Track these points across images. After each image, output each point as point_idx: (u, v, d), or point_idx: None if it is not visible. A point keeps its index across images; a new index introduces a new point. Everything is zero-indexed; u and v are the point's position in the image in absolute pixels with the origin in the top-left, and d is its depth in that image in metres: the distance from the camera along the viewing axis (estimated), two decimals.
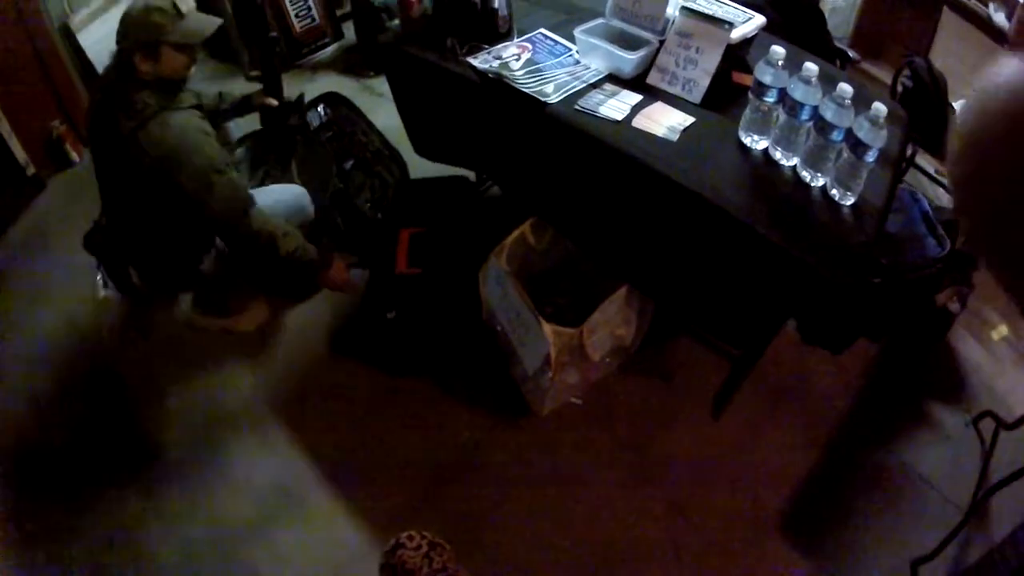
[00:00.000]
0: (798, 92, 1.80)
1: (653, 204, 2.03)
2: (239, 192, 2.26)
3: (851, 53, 3.15)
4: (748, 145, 1.99)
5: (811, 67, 1.78)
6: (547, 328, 2.14)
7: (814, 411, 2.55)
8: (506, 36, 2.39)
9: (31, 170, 3.52)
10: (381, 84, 3.78)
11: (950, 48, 3.56)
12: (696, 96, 2.10)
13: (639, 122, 2.03)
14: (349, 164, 3.06)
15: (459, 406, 2.55)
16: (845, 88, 1.72)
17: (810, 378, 2.64)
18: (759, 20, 2.23)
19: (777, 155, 1.94)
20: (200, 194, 2.15)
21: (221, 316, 2.77)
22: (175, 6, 2.14)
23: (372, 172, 3.08)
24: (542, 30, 2.40)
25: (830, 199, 1.86)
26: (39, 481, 2.45)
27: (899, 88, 2.94)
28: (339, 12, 4.59)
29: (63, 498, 2.38)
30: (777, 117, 1.92)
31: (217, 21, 2.28)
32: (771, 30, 2.41)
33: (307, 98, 3.08)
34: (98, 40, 3.83)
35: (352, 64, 4.29)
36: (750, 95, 1.94)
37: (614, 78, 2.20)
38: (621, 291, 2.26)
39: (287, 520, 2.30)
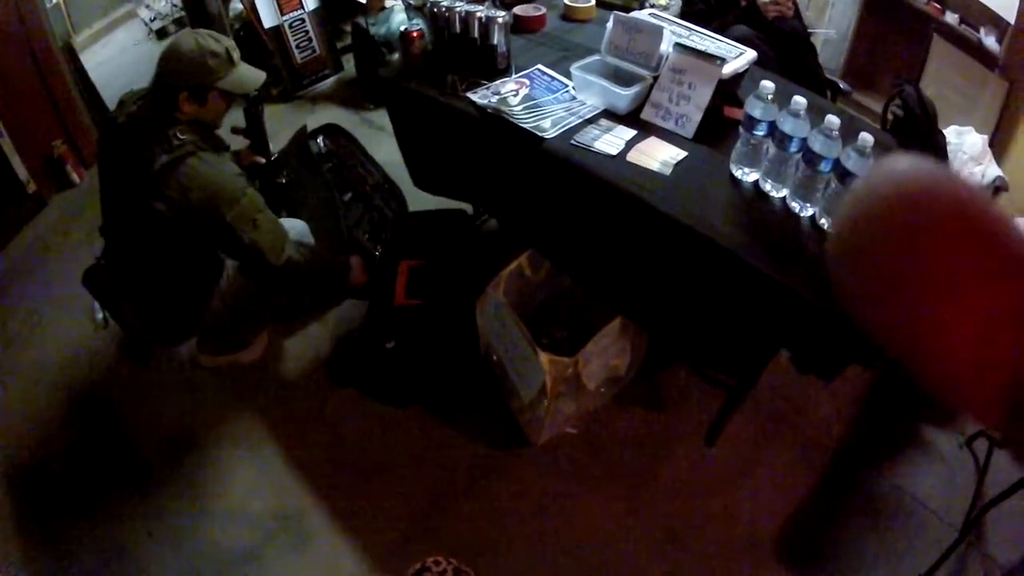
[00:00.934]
0: (787, 125, 1.83)
1: (647, 237, 2.06)
2: (279, 227, 2.32)
3: (842, 84, 3.20)
4: (739, 177, 2.02)
5: (799, 100, 1.81)
6: (543, 357, 2.15)
7: (809, 437, 2.56)
8: (504, 72, 2.45)
9: (32, 187, 3.55)
10: (380, 117, 3.83)
11: (941, 75, 3.62)
12: (689, 131, 2.15)
13: (633, 157, 2.07)
14: (348, 196, 3.09)
15: (457, 436, 2.55)
16: (832, 120, 1.74)
17: (804, 404, 2.65)
18: (750, 55, 2.28)
19: (767, 187, 1.97)
20: (247, 231, 2.18)
21: (228, 353, 2.76)
22: (228, 53, 2.15)
23: (371, 205, 3.11)
24: (539, 66, 2.46)
25: (819, 228, 1.88)
26: (37, 503, 2.45)
27: (890, 117, 2.99)
28: (339, 45, 4.67)
29: (60, 521, 2.38)
30: (767, 149, 1.95)
31: (262, 75, 2.31)
32: (763, 64, 2.46)
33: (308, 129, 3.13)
34: (101, 62, 3.90)
35: (351, 97, 4.35)
36: (741, 129, 1.97)
37: (609, 114, 2.25)
38: (616, 322, 2.27)
39: (285, 547, 2.30)
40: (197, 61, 2.10)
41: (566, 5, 2.83)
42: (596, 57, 2.33)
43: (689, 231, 1.89)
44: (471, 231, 3.12)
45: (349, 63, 4.52)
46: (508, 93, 2.31)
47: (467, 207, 3.11)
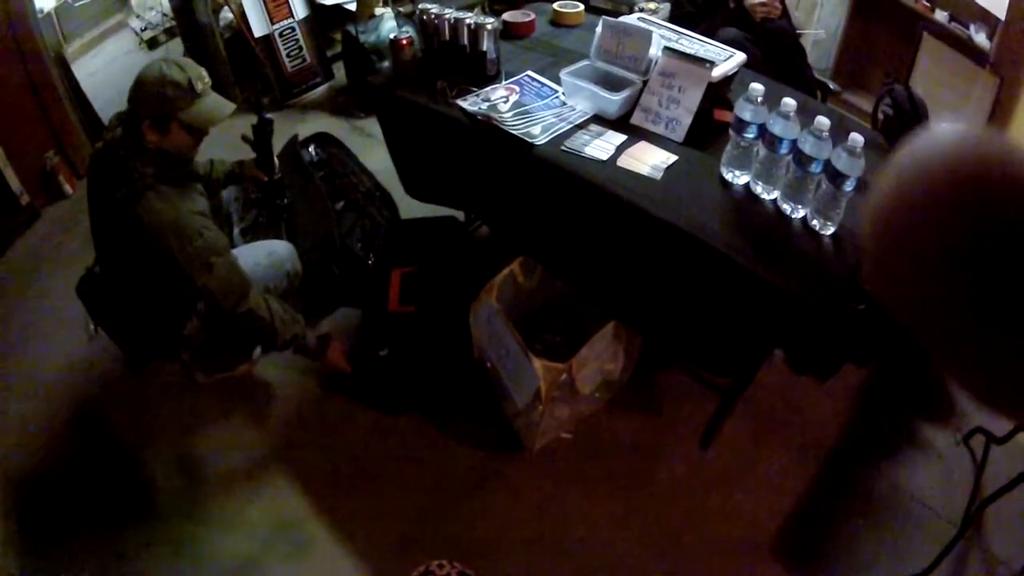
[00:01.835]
0: (777, 127, 1.84)
1: (639, 241, 2.06)
2: (238, 275, 2.22)
3: (832, 85, 3.20)
4: (730, 180, 2.03)
5: (789, 102, 1.82)
6: (537, 363, 2.16)
7: (805, 436, 2.57)
8: (494, 79, 2.45)
9: (25, 199, 3.55)
10: (371, 125, 3.82)
11: (931, 73, 3.63)
12: (679, 134, 2.16)
13: (624, 161, 2.08)
14: (340, 205, 3.10)
15: (452, 442, 2.56)
16: (822, 121, 1.75)
17: (800, 404, 2.66)
18: (740, 57, 2.29)
19: (758, 189, 1.98)
20: (199, 273, 2.11)
21: (219, 372, 2.71)
22: (191, 83, 2.08)
23: (364, 213, 3.12)
24: (529, 72, 2.46)
25: (811, 229, 1.89)
26: (33, 512, 2.44)
27: (880, 116, 2.99)
28: (330, 53, 4.68)
29: (57, 530, 2.37)
30: (757, 152, 1.96)
31: (231, 107, 2.21)
32: (752, 65, 2.47)
33: (300, 138, 3.13)
34: (92, 72, 3.90)
35: (342, 105, 4.35)
36: (731, 131, 1.98)
37: (599, 119, 2.26)
38: (609, 326, 2.28)
39: (285, 555, 2.29)
40: (156, 90, 2.04)
41: (555, 10, 2.84)
42: (586, 62, 2.34)
43: (681, 234, 1.89)
44: (463, 238, 3.12)
45: (339, 71, 4.52)
46: (498, 99, 2.31)
47: (459, 214, 3.11)
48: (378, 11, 4.17)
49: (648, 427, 2.60)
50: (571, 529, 2.33)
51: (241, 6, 4.17)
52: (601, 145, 2.13)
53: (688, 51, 2.21)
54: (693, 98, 2.13)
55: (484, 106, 2.28)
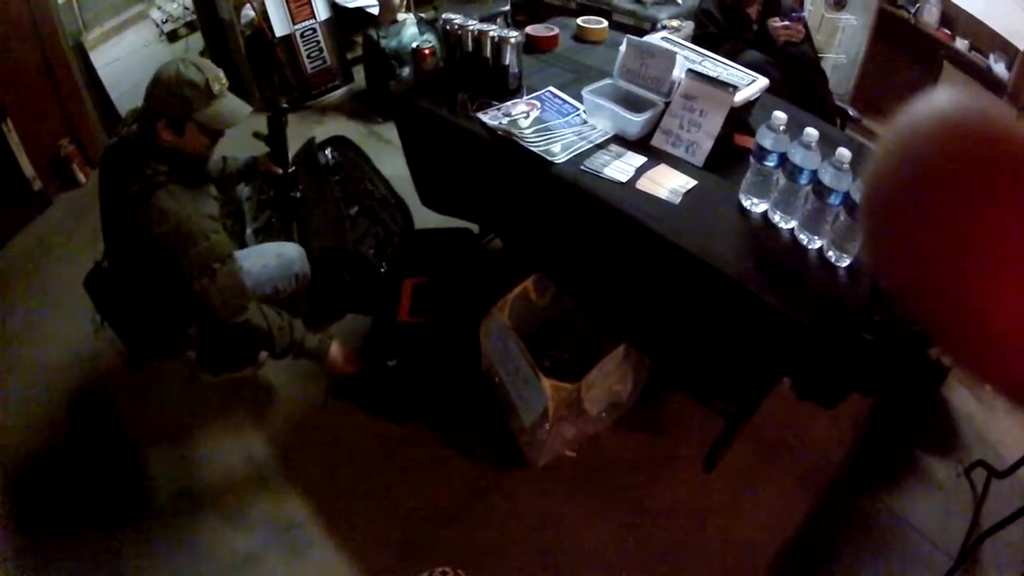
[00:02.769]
0: (798, 156, 1.83)
1: (654, 265, 2.05)
2: (240, 287, 2.19)
3: (851, 112, 3.20)
4: (748, 208, 2.02)
5: (811, 132, 1.81)
6: (546, 383, 2.15)
7: (807, 463, 2.56)
8: (515, 93, 2.44)
9: (37, 185, 3.57)
10: (389, 130, 3.83)
11: None
12: (699, 159, 2.15)
13: (643, 184, 2.07)
14: (354, 210, 3.09)
15: (456, 454, 2.56)
16: (843, 153, 1.74)
17: (804, 431, 2.66)
18: (762, 82, 2.28)
19: (776, 218, 1.97)
20: (200, 279, 2.08)
21: (224, 374, 2.69)
22: (208, 84, 2.07)
23: (377, 219, 3.12)
24: (551, 88, 2.46)
25: (826, 261, 1.88)
26: (33, 505, 2.45)
27: None
28: (350, 56, 4.69)
29: (56, 524, 2.38)
30: (777, 180, 1.95)
31: (247, 110, 2.19)
32: (772, 88, 2.46)
33: (317, 140, 3.14)
34: (110, 61, 3.90)
35: (360, 109, 4.35)
36: (751, 159, 1.97)
37: (619, 139, 2.25)
38: (619, 349, 2.27)
39: (284, 553, 2.30)
40: (173, 90, 2.03)
41: (579, 26, 2.84)
42: (608, 80, 2.33)
43: (696, 261, 1.88)
44: (476, 251, 3.11)
45: (359, 75, 4.52)
46: (519, 115, 2.30)
47: (473, 226, 3.11)
48: (400, 16, 4.18)
49: (651, 447, 2.60)
50: (571, 545, 2.33)
51: (263, 4, 4.18)
52: (620, 166, 2.13)
53: (711, 74, 2.20)
54: (715, 122, 2.12)
55: (504, 121, 2.27)
